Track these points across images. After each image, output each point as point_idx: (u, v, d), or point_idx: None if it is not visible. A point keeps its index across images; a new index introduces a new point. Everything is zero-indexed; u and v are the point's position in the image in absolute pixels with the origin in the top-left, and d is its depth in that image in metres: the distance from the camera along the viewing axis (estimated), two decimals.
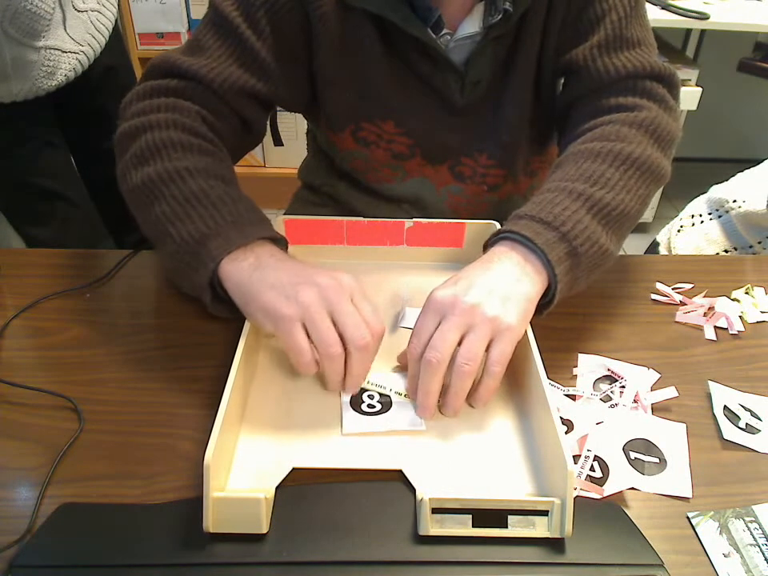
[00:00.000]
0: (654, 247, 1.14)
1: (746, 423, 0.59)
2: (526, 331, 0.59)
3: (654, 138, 0.69)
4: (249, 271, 0.57)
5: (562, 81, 0.80)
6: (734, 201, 1.01)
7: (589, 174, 0.64)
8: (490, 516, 0.47)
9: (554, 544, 0.48)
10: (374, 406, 0.57)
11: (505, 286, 0.56)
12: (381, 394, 0.58)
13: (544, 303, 0.61)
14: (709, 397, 0.62)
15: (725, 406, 0.60)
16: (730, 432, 0.58)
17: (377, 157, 0.84)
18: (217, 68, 0.70)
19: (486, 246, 0.64)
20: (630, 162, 0.65)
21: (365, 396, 0.58)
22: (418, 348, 0.55)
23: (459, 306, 0.55)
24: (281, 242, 0.64)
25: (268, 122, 0.84)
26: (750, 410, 0.60)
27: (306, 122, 0.97)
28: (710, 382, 0.63)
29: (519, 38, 0.75)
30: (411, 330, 0.67)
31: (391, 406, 0.57)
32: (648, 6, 1.95)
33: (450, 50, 0.75)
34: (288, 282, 0.55)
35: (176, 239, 0.60)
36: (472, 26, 0.73)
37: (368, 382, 0.59)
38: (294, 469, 0.51)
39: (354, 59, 0.75)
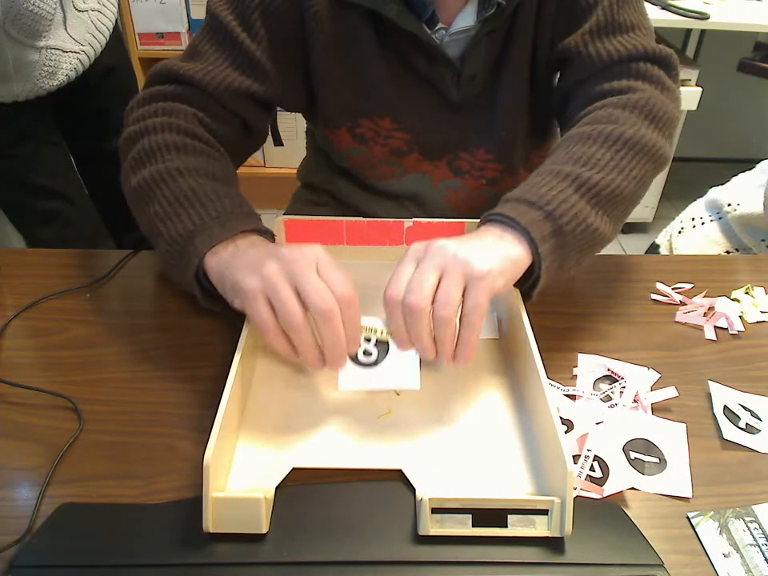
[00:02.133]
0: (653, 249, 1.14)
1: (746, 423, 0.59)
2: (525, 330, 0.59)
3: (648, 118, 0.68)
4: (227, 260, 0.58)
5: (558, 73, 0.80)
6: (729, 204, 1.01)
7: (578, 157, 0.63)
8: (489, 516, 0.47)
9: (554, 544, 0.48)
10: (369, 353, 0.55)
11: (481, 244, 0.56)
12: (378, 340, 0.55)
13: (531, 284, 0.60)
14: (709, 397, 0.62)
15: (725, 406, 0.60)
16: (730, 432, 0.58)
17: (375, 153, 0.84)
18: (212, 71, 0.71)
19: None
20: (621, 143, 0.64)
21: (360, 339, 0.55)
22: (395, 292, 0.52)
23: (433, 249, 0.53)
24: (266, 234, 0.63)
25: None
26: (749, 410, 0.60)
27: (305, 121, 0.97)
28: (709, 381, 0.63)
29: (512, 32, 0.75)
30: None
31: (387, 353, 0.55)
32: (648, 5, 1.95)
33: (445, 45, 0.75)
34: (257, 259, 0.55)
35: (166, 238, 0.61)
36: (466, 20, 0.73)
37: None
38: (293, 469, 0.51)
39: (350, 56, 0.75)
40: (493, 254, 0.55)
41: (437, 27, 0.73)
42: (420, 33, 0.71)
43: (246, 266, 0.55)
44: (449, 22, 0.74)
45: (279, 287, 0.51)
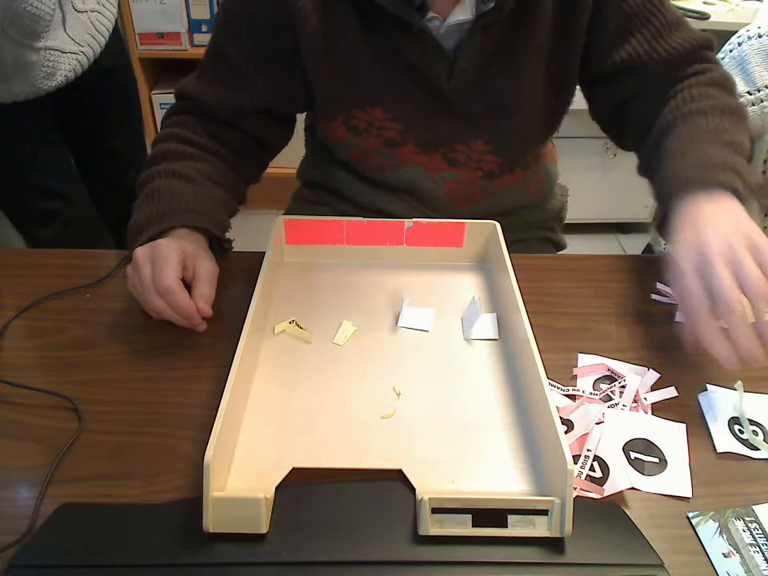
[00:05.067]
0: (648, 250, 1.15)
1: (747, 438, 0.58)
2: (525, 330, 0.59)
3: (728, 91, 0.77)
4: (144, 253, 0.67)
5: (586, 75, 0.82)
6: None
7: (710, 128, 0.71)
8: (489, 516, 0.47)
9: (554, 544, 0.48)
10: None
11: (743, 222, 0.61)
12: None
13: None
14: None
15: (731, 418, 0.60)
16: (726, 444, 0.57)
17: (370, 145, 0.85)
18: (208, 91, 0.79)
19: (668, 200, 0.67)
20: (729, 111, 0.73)
21: None
22: (735, 294, 0.56)
23: (737, 242, 0.58)
24: (199, 228, 0.71)
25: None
26: (757, 424, 0.60)
27: (304, 119, 0.97)
28: (708, 388, 0.63)
29: (518, 27, 0.75)
30: (411, 330, 0.67)
31: None
32: None
33: (440, 36, 0.75)
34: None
35: (130, 225, 0.72)
36: (463, 13, 0.74)
37: None
38: (293, 469, 0.51)
39: (338, 47, 0.76)
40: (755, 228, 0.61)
41: (429, 16, 0.73)
42: (410, 18, 0.72)
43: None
44: (443, 14, 0.74)
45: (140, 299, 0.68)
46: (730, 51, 0.96)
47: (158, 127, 2.18)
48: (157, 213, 0.70)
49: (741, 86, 0.92)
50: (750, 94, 0.92)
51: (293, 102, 0.84)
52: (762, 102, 0.90)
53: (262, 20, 0.75)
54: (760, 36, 0.91)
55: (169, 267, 0.64)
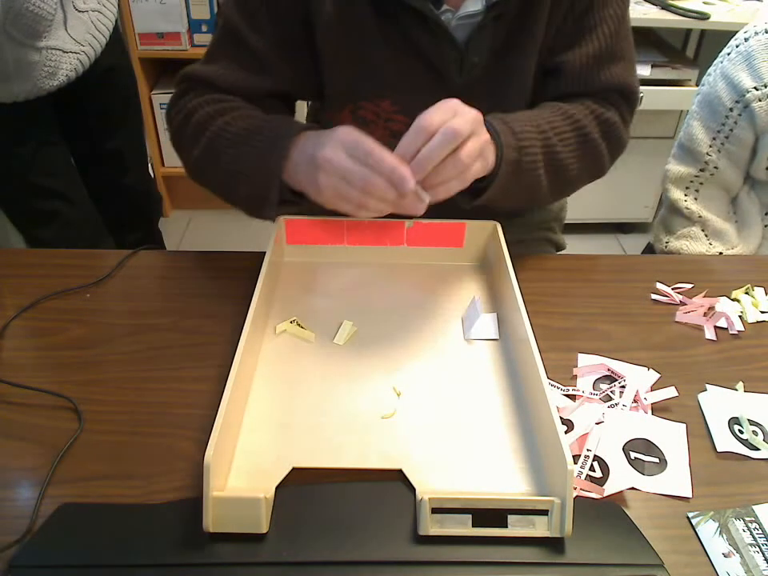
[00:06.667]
0: (649, 249, 1.15)
1: (747, 438, 0.58)
2: (525, 330, 0.59)
3: (605, 135, 0.79)
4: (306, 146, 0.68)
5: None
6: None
7: (556, 125, 0.75)
8: (489, 516, 0.47)
9: (554, 544, 0.48)
10: None
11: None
12: None
13: (477, 190, 0.69)
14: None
15: (731, 418, 0.60)
16: (726, 444, 0.58)
17: (376, 136, 0.84)
18: (224, 74, 0.77)
19: None
20: (583, 139, 0.76)
21: None
22: (437, 118, 0.61)
23: (471, 112, 0.64)
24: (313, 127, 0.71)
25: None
26: (757, 424, 0.60)
27: (305, 114, 0.98)
28: (707, 387, 0.63)
29: (524, 22, 0.76)
30: (411, 329, 0.67)
31: None
32: (648, 5, 1.94)
33: (453, 28, 0.75)
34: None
35: (246, 173, 0.70)
36: (474, 4, 0.74)
37: None
38: (293, 469, 0.51)
39: (351, 36, 0.76)
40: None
41: (443, 9, 0.74)
42: (425, 9, 0.72)
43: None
44: (456, 6, 0.74)
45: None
46: (737, 46, 0.96)
47: (158, 127, 2.17)
48: (265, 148, 0.69)
49: (747, 82, 0.92)
50: (757, 90, 0.92)
51: (305, 88, 0.84)
52: None
53: (282, 7, 0.74)
54: (767, 32, 0.91)
55: (342, 145, 0.66)
